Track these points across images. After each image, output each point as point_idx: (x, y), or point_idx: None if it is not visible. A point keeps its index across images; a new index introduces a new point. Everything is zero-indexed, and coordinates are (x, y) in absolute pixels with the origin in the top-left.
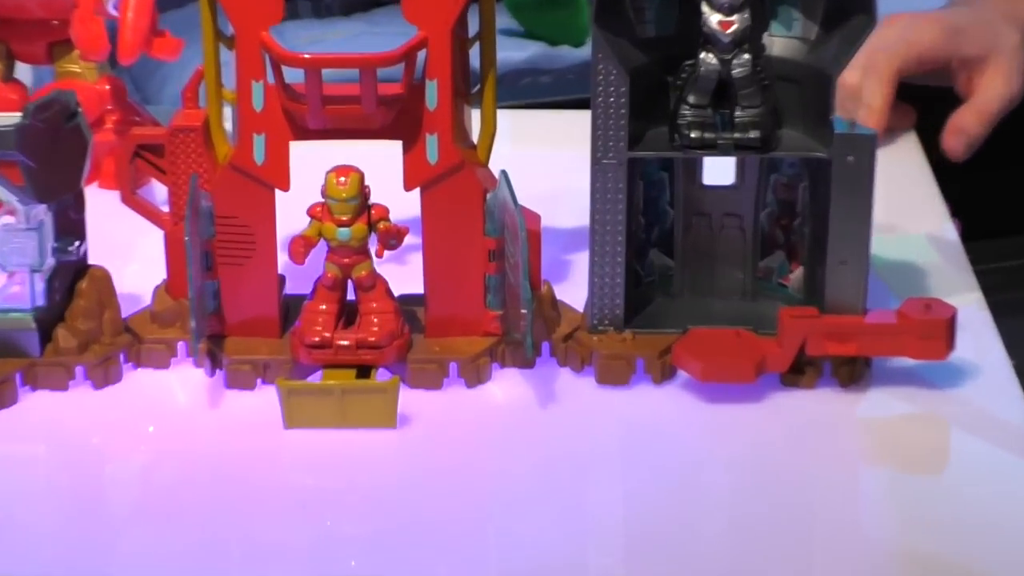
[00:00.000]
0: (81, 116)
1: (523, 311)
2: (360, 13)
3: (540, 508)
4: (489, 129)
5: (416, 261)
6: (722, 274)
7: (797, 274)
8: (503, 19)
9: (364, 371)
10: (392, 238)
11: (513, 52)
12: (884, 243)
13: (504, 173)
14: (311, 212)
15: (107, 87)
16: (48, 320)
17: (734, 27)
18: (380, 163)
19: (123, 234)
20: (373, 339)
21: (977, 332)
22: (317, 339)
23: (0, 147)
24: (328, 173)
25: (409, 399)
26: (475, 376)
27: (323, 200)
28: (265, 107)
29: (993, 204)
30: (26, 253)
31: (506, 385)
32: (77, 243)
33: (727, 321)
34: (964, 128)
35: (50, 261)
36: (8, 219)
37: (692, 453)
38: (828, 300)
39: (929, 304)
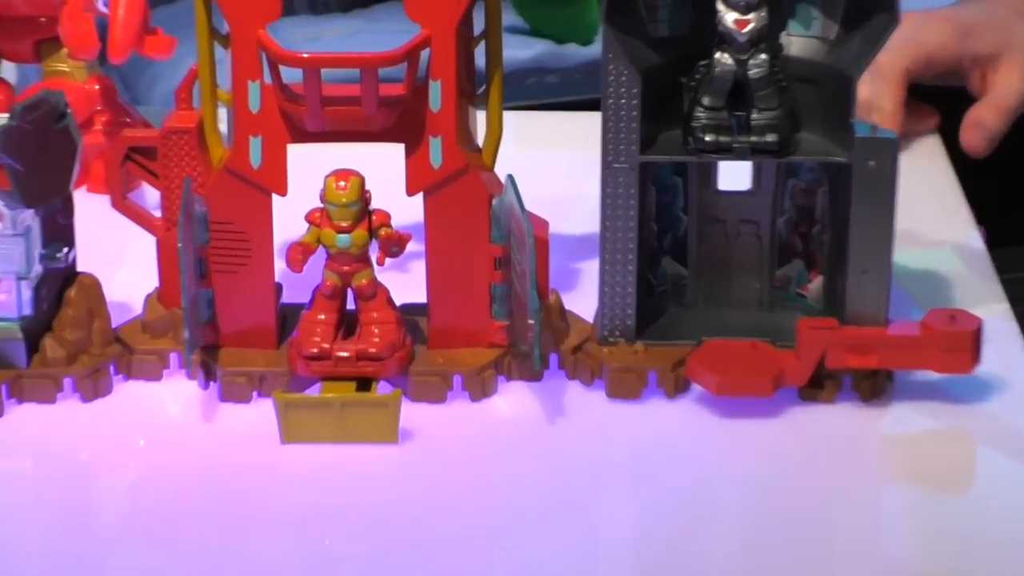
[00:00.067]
0: (70, 117)
1: (530, 321)
2: (359, 9)
3: (547, 527)
4: (495, 132)
5: (419, 269)
6: (738, 283)
7: (816, 283)
8: (508, 16)
9: (364, 384)
10: (394, 245)
11: (518, 50)
12: (907, 251)
13: (510, 177)
14: (309, 218)
15: (96, 87)
16: (35, 330)
17: (751, 26)
18: (381, 167)
19: (113, 240)
20: (374, 350)
21: (1004, 344)
22: (315, 350)
23: None
24: (327, 177)
25: (411, 413)
26: (480, 389)
27: (322, 205)
28: (262, 108)
29: (1020, 210)
30: (12, 260)
31: (512, 399)
32: (66, 249)
33: (743, 332)
34: (982, 122)
35: (37, 268)
36: None
37: (706, 470)
38: (849, 311)
39: (954, 315)
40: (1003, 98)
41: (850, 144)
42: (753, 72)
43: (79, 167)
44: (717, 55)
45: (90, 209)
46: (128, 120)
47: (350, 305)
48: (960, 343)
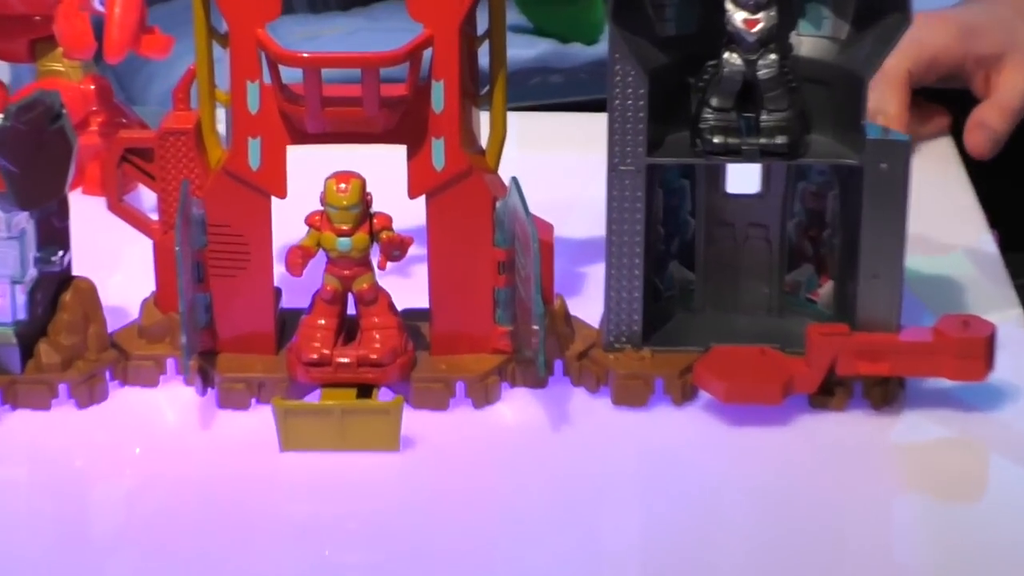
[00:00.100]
0: (66, 118)
1: (535, 327)
2: (359, 8)
3: (552, 537)
4: (499, 133)
5: (421, 273)
6: (746, 288)
7: (826, 289)
8: (511, 15)
9: (365, 390)
10: (395, 249)
11: (522, 50)
12: (919, 256)
13: (515, 180)
14: (309, 221)
15: (92, 87)
16: (30, 335)
17: (760, 25)
18: (383, 169)
19: (109, 244)
20: (375, 356)
21: (1017, 351)
22: (315, 356)
23: None
24: (327, 179)
25: (413, 420)
26: (483, 396)
27: (322, 208)
28: (261, 109)
29: None
30: (6, 263)
31: (516, 406)
32: (61, 253)
33: (752, 338)
34: (986, 124)
35: (32, 272)
36: None
37: (714, 479)
38: (859, 316)
39: (967, 321)
40: (1007, 99)
41: (861, 146)
42: (762, 72)
43: (75, 169)
44: (726, 55)
45: (86, 211)
46: (124, 121)
47: (351, 310)
48: (973, 349)
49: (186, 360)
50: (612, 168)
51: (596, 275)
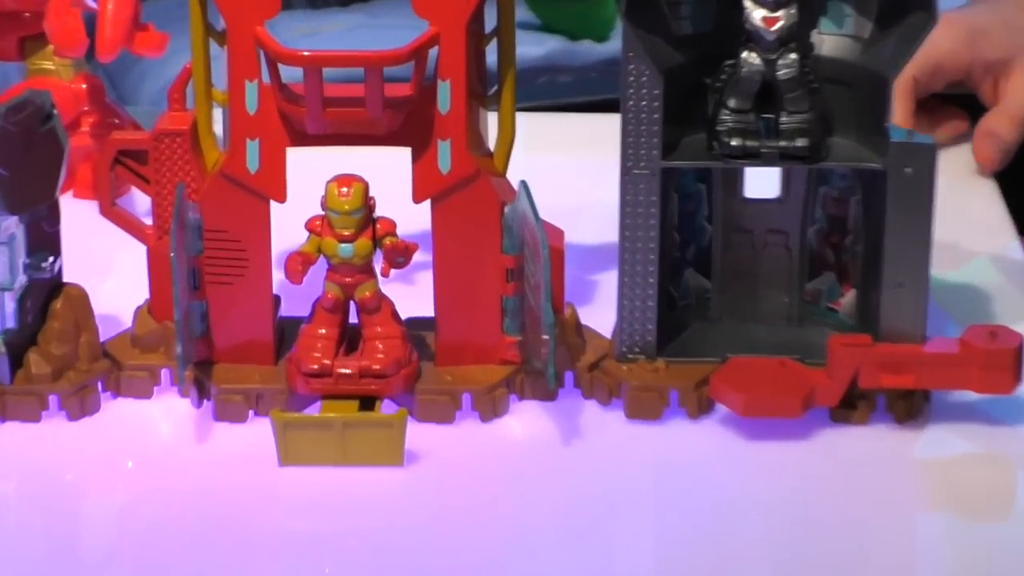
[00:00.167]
0: (57, 119)
1: (544, 337)
2: (359, 3)
3: (562, 557)
4: (507, 135)
5: (426, 281)
6: (765, 297)
7: (849, 298)
8: (518, 11)
9: (368, 403)
10: (399, 255)
11: (529, 47)
12: (944, 264)
13: (524, 184)
14: (310, 226)
15: (84, 86)
16: (19, 344)
17: (780, 24)
18: (386, 172)
19: (101, 249)
20: (378, 367)
21: None
22: (316, 367)
23: None
24: (329, 183)
25: (418, 434)
26: (491, 409)
27: (323, 213)
28: (259, 109)
29: None
30: None
31: (525, 419)
32: (51, 259)
33: (771, 349)
34: (996, 133)
35: (21, 279)
36: None
37: (731, 496)
38: (883, 327)
39: (994, 332)
40: (1017, 107)
41: (885, 149)
42: (782, 73)
43: (66, 171)
44: (744, 54)
45: (77, 216)
46: (117, 121)
47: (352, 319)
48: (1001, 361)
49: (181, 371)
50: (625, 172)
51: (608, 283)
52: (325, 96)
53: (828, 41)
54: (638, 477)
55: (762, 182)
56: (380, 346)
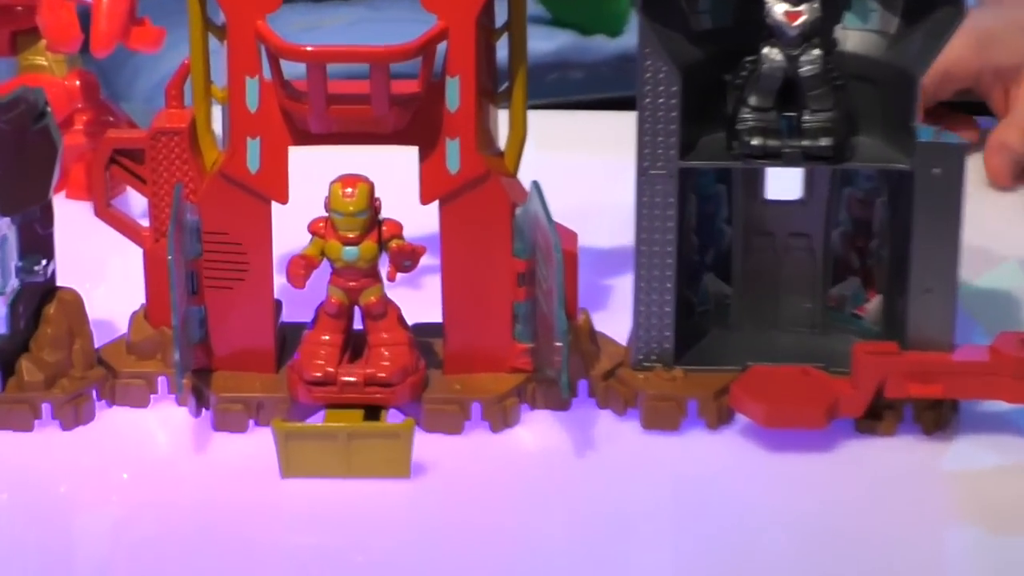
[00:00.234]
0: (50, 117)
1: (557, 344)
2: None
3: (575, 574)
4: (519, 134)
5: (434, 285)
6: (787, 303)
7: (874, 304)
8: (528, 4)
9: (373, 412)
10: (406, 258)
11: (539, 42)
12: (973, 269)
13: (536, 185)
14: (313, 228)
15: (77, 83)
16: (11, 350)
17: (802, 18)
18: (392, 172)
19: (96, 252)
20: (383, 375)
21: None
22: (319, 375)
23: None
24: (332, 183)
25: (425, 445)
26: (501, 419)
27: (327, 214)
28: (260, 107)
29: None
30: None
31: (537, 430)
32: (44, 262)
33: (793, 357)
34: (1008, 145)
35: (13, 282)
36: None
37: (752, 511)
38: (910, 334)
39: None
40: None
41: (912, 149)
42: (805, 69)
43: (59, 171)
44: (765, 50)
45: (71, 217)
46: (112, 119)
47: (357, 325)
48: None
49: (179, 378)
50: (642, 172)
51: (624, 288)
52: (329, 93)
53: (852, 36)
54: (655, 491)
55: (784, 183)
56: (386, 353)
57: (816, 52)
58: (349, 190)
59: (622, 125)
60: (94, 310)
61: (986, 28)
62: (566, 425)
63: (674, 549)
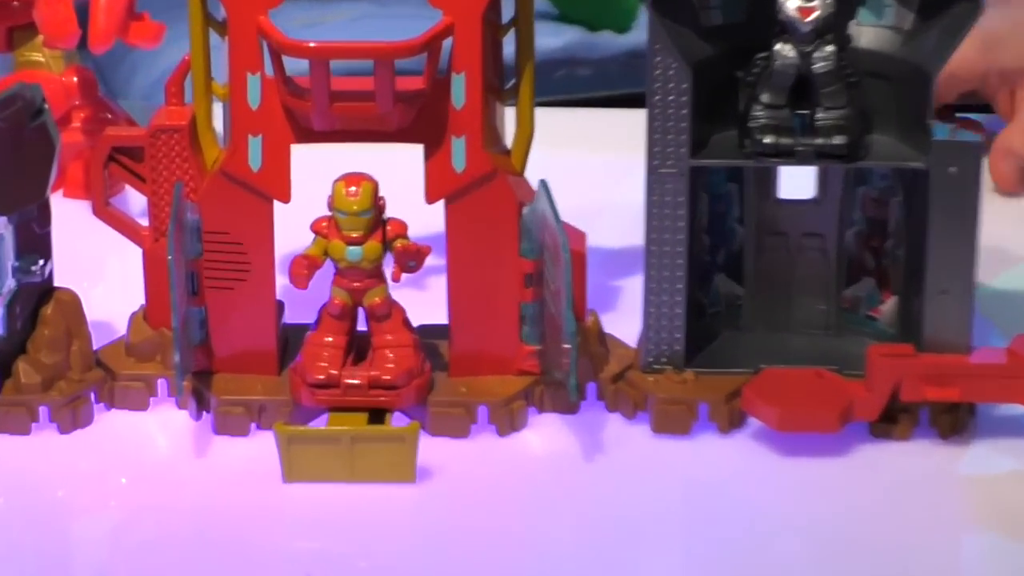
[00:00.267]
0: (47, 114)
1: (565, 346)
2: None
3: None
4: (526, 131)
5: (439, 286)
6: (800, 304)
7: (889, 305)
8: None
9: (377, 416)
10: (411, 259)
11: (546, 38)
12: (990, 270)
13: (543, 183)
14: (316, 228)
15: (75, 79)
16: (7, 352)
17: (815, 14)
18: (397, 171)
19: (94, 252)
20: (388, 378)
21: None
22: (322, 377)
23: None
24: (336, 182)
25: (430, 449)
26: (508, 422)
27: (330, 214)
28: (262, 104)
29: None
30: None
31: (545, 433)
32: (41, 262)
33: (806, 360)
34: (1014, 150)
35: (10, 283)
36: None
37: (765, 516)
38: (926, 336)
39: None
40: None
41: (928, 147)
42: (818, 66)
43: (56, 169)
44: (777, 46)
45: (68, 217)
46: (110, 116)
47: (361, 326)
48: None
49: (179, 381)
50: (652, 171)
51: (633, 289)
52: (332, 90)
53: (867, 32)
54: (665, 496)
55: (797, 182)
56: (390, 355)
57: (829, 48)
58: (353, 189)
59: (630, 123)
60: (92, 311)
61: (992, 29)
62: (574, 429)
63: (685, 557)
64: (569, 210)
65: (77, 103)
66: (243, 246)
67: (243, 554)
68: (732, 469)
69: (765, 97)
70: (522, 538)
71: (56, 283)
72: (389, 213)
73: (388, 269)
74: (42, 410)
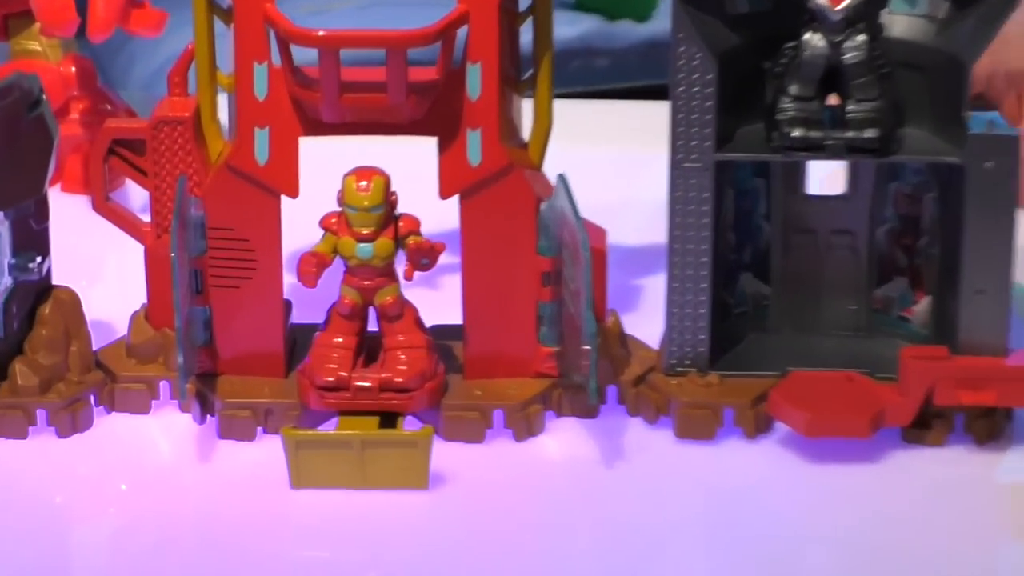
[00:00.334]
0: (45, 105)
1: (585, 348)
2: None
3: None
4: (544, 124)
5: (453, 285)
6: (830, 305)
7: (922, 306)
8: None
9: (389, 419)
10: (424, 256)
11: (562, 28)
12: None
13: (562, 178)
14: (325, 224)
15: (73, 69)
16: (4, 353)
17: (846, 2)
18: (410, 165)
19: (94, 249)
20: (400, 380)
21: None
22: (331, 379)
23: None
24: (346, 176)
25: (444, 454)
26: (525, 427)
27: (340, 209)
28: (269, 95)
29: None
30: None
31: (563, 438)
32: (39, 259)
33: (836, 362)
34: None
35: (6, 281)
36: None
37: (792, 525)
38: (961, 338)
39: None
40: None
41: (963, 141)
42: (849, 56)
43: (55, 163)
44: (806, 36)
45: (67, 212)
46: (109, 108)
47: (372, 327)
48: None
49: (182, 383)
50: (675, 165)
51: (656, 288)
52: (342, 80)
53: (899, 21)
54: (688, 504)
55: (827, 177)
56: (402, 357)
57: (861, 38)
58: (364, 183)
59: (651, 115)
60: (92, 310)
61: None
62: (594, 434)
63: (708, 568)
64: (588, 206)
65: (75, 94)
66: (249, 243)
67: (249, 564)
68: (758, 476)
69: (793, 89)
70: (539, 548)
71: (54, 281)
72: (401, 209)
73: (400, 267)
74: (40, 413)
